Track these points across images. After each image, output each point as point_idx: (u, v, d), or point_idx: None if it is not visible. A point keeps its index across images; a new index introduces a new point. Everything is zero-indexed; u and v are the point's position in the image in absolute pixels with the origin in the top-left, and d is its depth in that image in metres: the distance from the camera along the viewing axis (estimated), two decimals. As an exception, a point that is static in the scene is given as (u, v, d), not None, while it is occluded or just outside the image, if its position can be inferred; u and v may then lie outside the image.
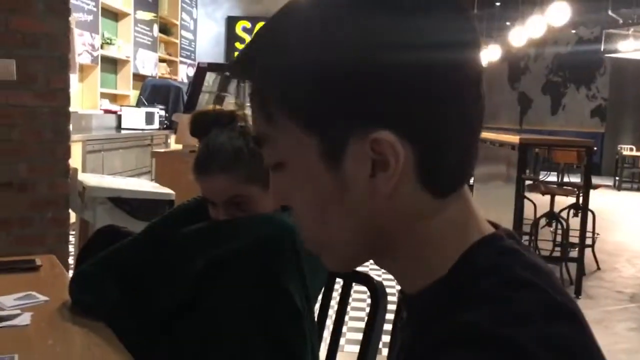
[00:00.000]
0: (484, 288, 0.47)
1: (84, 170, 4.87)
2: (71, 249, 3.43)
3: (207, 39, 10.26)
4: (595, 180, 4.64)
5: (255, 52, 0.53)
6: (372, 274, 1.41)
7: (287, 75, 0.50)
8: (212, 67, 4.41)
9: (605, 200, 8.38)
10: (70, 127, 3.16)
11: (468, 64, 0.50)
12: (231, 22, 10.11)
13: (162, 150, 5.59)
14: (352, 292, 1.43)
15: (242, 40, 9.98)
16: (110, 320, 1.20)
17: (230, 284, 1.13)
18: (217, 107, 1.31)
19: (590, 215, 4.45)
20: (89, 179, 3.16)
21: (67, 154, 3.11)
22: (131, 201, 2.83)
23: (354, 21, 0.48)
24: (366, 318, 1.31)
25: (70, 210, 3.14)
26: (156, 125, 7.23)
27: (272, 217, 1.17)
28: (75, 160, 4.05)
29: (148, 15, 8.22)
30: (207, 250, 1.17)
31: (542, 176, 6.48)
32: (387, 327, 1.21)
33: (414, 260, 0.53)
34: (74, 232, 3.54)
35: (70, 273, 1.76)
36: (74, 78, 5.70)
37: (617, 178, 10.97)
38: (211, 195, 1.22)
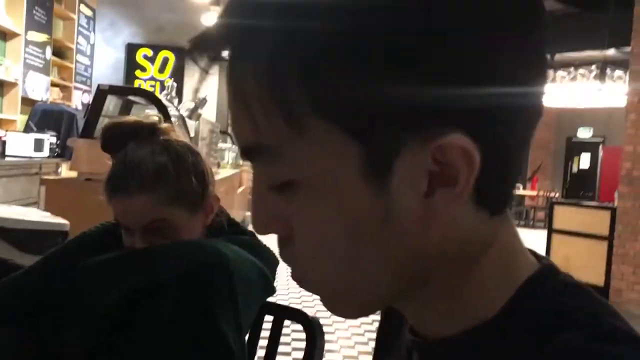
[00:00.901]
0: (571, 344, 0.35)
1: (-40, 199, 4.37)
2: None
3: (105, 65, 9.82)
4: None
5: (259, 19, 0.36)
6: (304, 304, 1.28)
7: (320, 55, 0.35)
8: (114, 89, 4.14)
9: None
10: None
11: (544, 41, 0.39)
12: (132, 49, 9.76)
13: (54, 177, 5.17)
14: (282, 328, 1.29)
15: (143, 68, 9.64)
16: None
17: (152, 321, 0.96)
18: (135, 118, 1.14)
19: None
20: (-32, 206, 2.79)
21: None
22: (18, 232, 2.51)
23: None
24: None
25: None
26: (46, 152, 6.73)
27: (202, 244, 1.02)
28: (-50, 186, 3.62)
29: (41, 37, 7.74)
30: (123, 283, 0.99)
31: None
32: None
33: (452, 299, 0.41)
34: (-55, 268, 3.11)
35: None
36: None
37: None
38: (127, 219, 1.04)
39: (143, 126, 1.09)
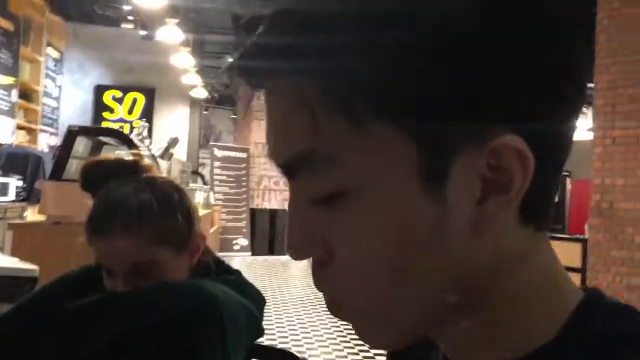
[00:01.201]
0: None
1: None
2: None
3: (72, 107, 9.72)
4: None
5: (321, 25, 0.35)
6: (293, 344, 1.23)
7: (384, 56, 0.34)
8: (84, 130, 4.08)
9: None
10: None
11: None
12: (100, 90, 9.69)
13: (21, 222, 5.03)
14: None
15: (111, 110, 9.57)
16: None
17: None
18: (116, 156, 1.11)
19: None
20: None
21: None
22: (-16, 279, 2.40)
23: None
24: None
25: None
26: (12, 196, 6.56)
27: (190, 285, 0.97)
28: None
29: (7, 80, 7.64)
30: (106, 329, 0.94)
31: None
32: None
33: (498, 323, 0.38)
34: None
35: None
36: None
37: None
38: (110, 261, 0.99)
39: (125, 164, 1.06)
